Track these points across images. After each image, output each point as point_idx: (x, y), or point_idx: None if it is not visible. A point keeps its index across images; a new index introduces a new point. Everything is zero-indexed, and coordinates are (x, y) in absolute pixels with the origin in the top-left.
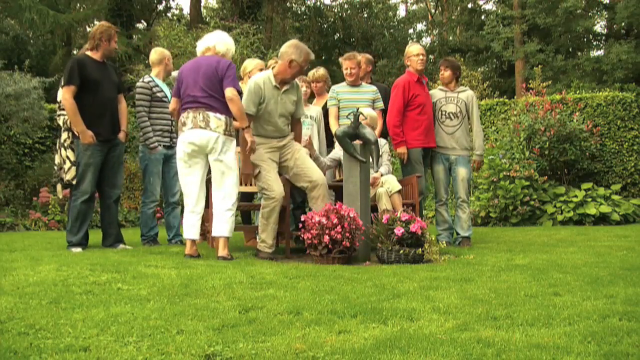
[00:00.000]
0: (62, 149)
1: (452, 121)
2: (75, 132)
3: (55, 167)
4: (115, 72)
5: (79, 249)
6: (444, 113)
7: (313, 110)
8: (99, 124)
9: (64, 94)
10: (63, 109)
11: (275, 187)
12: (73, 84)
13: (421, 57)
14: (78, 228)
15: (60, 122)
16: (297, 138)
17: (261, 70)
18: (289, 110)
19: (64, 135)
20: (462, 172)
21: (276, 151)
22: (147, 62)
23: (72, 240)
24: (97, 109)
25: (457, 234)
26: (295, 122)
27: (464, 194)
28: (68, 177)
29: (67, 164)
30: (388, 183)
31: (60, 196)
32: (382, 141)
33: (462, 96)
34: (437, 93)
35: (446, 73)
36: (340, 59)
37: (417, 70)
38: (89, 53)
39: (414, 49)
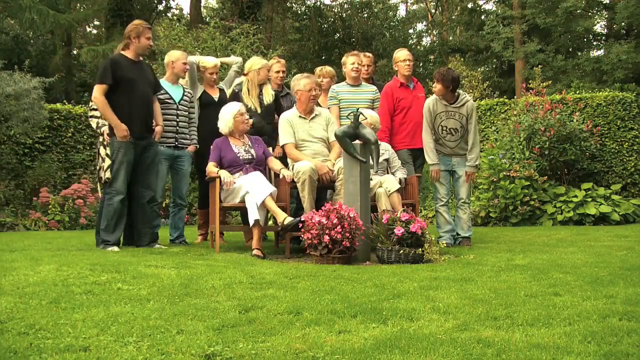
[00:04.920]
0: (102, 147)
1: (453, 136)
2: (106, 133)
3: (97, 167)
4: (152, 72)
5: (115, 248)
6: (444, 128)
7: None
8: (133, 123)
9: (95, 92)
10: (95, 109)
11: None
12: (105, 82)
13: (407, 62)
14: (114, 227)
15: (94, 126)
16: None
17: (258, 69)
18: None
19: (106, 133)
20: (463, 172)
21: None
22: (146, 62)
23: (109, 239)
24: (132, 108)
25: (457, 234)
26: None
27: (465, 195)
28: (108, 174)
29: (107, 162)
30: (387, 183)
31: (102, 194)
32: (387, 145)
33: (462, 110)
34: (438, 107)
35: (438, 86)
36: (347, 55)
37: (403, 75)
38: (123, 52)
39: (400, 55)
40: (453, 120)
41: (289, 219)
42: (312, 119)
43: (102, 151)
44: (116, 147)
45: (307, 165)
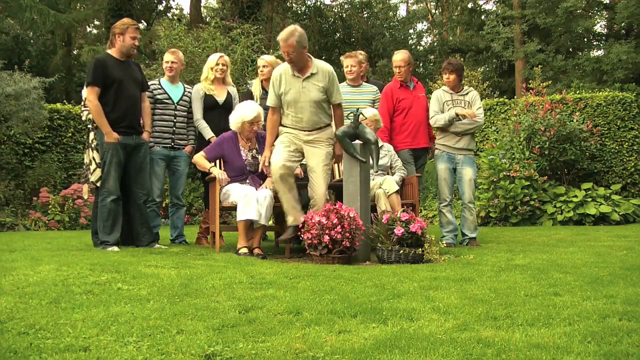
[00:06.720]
0: (90, 150)
1: (460, 121)
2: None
3: (84, 167)
4: (139, 70)
5: (115, 248)
6: None
7: None
8: (121, 123)
9: (88, 96)
10: (87, 106)
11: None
12: (96, 85)
13: (398, 69)
14: (111, 228)
15: (84, 117)
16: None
17: (265, 67)
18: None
19: (91, 135)
20: (468, 172)
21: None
22: (147, 62)
23: (108, 240)
24: (119, 108)
25: (464, 234)
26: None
27: (471, 195)
28: (93, 178)
29: (93, 165)
30: (386, 184)
31: (86, 197)
32: (389, 146)
33: (467, 98)
34: (443, 95)
35: (451, 77)
36: (342, 57)
37: (399, 78)
38: (109, 51)
39: (394, 59)
40: (459, 107)
41: (243, 250)
42: (307, 77)
43: (90, 153)
44: (106, 148)
45: (277, 163)
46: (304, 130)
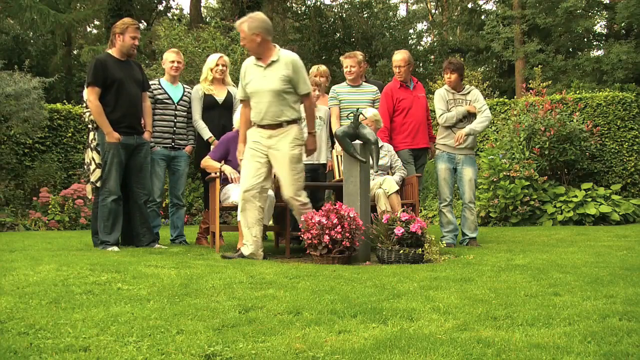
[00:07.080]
0: (89, 150)
1: (462, 123)
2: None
3: (85, 167)
4: (140, 70)
5: (115, 248)
6: None
7: (322, 110)
8: (122, 123)
9: (89, 96)
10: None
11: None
12: (96, 85)
13: (398, 69)
14: (111, 228)
15: (86, 119)
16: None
17: None
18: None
19: (91, 135)
20: (468, 172)
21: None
22: (147, 62)
23: (108, 240)
24: (120, 108)
25: (464, 234)
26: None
27: (472, 195)
28: (92, 178)
29: (93, 166)
30: (386, 184)
31: (89, 196)
32: (389, 146)
33: (469, 97)
34: (445, 94)
35: (453, 76)
36: (341, 58)
37: (399, 78)
38: (109, 51)
39: (393, 59)
40: (460, 107)
41: (242, 249)
42: (268, 66)
43: (89, 154)
44: (107, 148)
45: (240, 189)
46: (265, 128)
